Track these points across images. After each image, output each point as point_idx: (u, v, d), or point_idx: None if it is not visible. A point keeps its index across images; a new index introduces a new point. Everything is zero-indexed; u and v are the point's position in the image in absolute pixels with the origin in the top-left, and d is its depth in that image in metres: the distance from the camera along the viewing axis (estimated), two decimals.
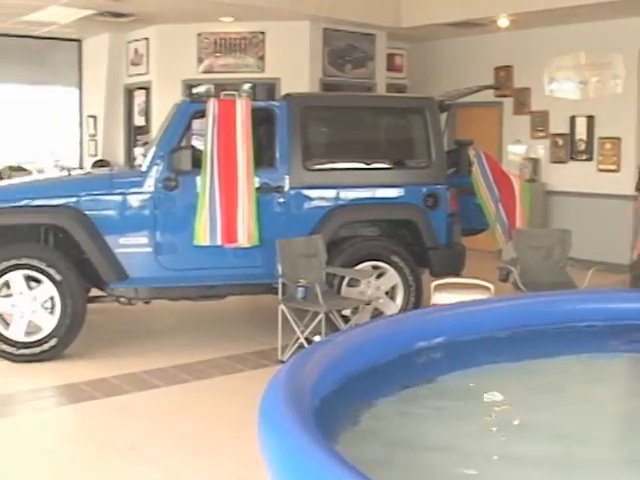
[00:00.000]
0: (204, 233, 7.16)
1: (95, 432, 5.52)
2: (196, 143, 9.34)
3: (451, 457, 3.38)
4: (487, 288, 6.91)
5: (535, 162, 12.60)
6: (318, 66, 12.36)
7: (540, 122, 12.63)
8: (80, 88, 14.64)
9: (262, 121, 7.75)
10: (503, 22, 11.85)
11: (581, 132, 12.13)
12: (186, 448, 5.19)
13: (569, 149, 12.29)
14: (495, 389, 4.32)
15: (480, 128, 13.10)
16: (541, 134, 12.65)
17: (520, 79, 12.90)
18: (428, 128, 8.07)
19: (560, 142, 12.40)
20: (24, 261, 7.03)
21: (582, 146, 12.14)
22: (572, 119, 12.20)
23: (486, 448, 3.54)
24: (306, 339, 6.95)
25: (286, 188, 7.62)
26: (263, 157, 7.63)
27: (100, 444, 5.26)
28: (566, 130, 12.30)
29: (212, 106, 7.29)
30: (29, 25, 12.56)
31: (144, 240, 7.38)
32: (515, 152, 12.88)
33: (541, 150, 12.61)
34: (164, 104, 10.51)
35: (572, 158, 12.28)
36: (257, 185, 7.43)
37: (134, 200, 7.37)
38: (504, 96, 13.09)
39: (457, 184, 8.35)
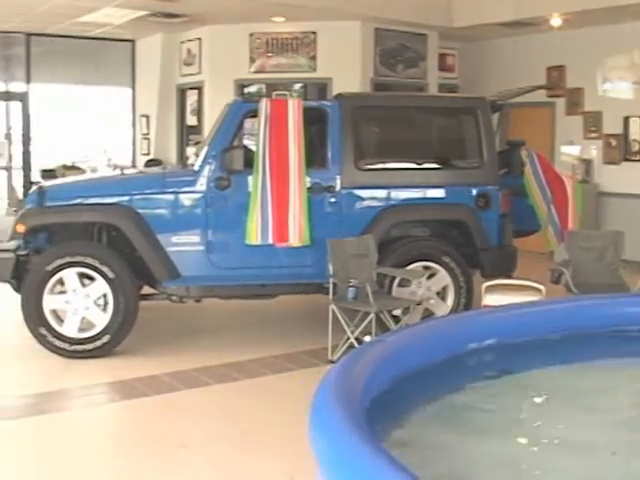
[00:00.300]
0: (256, 232, 7.20)
1: (146, 429, 5.57)
2: (247, 143, 9.39)
3: (502, 458, 3.36)
4: (538, 290, 6.85)
5: (588, 163, 12.48)
6: (369, 66, 12.36)
7: (593, 122, 12.50)
8: (133, 88, 14.80)
9: (314, 121, 7.76)
10: (556, 21, 11.75)
11: (635, 133, 11.99)
12: (236, 446, 5.22)
13: (622, 150, 12.15)
14: (547, 391, 4.29)
15: (532, 128, 13.00)
16: (594, 135, 12.52)
17: (573, 79, 12.78)
18: (480, 128, 8.03)
19: (613, 143, 12.26)
20: (78, 259, 7.12)
21: (636, 147, 11.99)
22: (626, 119, 12.05)
23: (540, 449, 3.52)
24: (356, 339, 6.95)
25: (337, 188, 7.63)
26: (315, 157, 7.64)
27: (150, 441, 5.30)
28: (619, 131, 12.15)
29: (264, 106, 7.32)
30: (84, 26, 12.72)
31: (196, 239, 7.43)
32: (567, 153, 12.76)
33: (594, 151, 12.47)
34: (216, 104, 10.59)
35: (625, 159, 12.13)
36: (308, 185, 7.45)
37: (186, 199, 7.42)
38: (556, 96, 12.98)
39: (509, 185, 8.30)
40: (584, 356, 4.88)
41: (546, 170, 8.51)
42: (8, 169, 14.54)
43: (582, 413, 3.96)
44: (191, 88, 13.55)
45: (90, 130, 15.28)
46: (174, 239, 7.38)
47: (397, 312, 7.47)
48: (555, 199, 8.43)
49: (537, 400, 4.25)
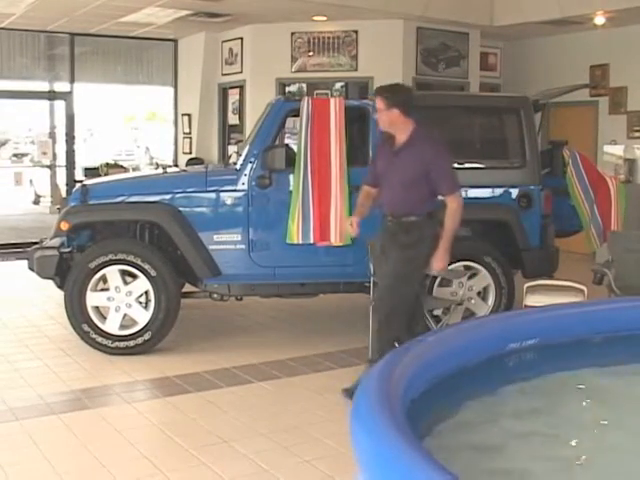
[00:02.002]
0: (297, 232, 7.21)
1: (187, 426, 5.61)
2: (289, 142, 9.41)
3: (540, 460, 3.35)
4: (580, 290, 6.80)
5: (631, 163, 12.35)
6: (411, 65, 12.33)
7: (637, 122, 12.37)
8: (175, 87, 14.89)
9: (355, 120, 7.76)
10: (599, 19, 11.64)
11: None
12: (276, 444, 5.24)
13: None
14: (590, 393, 4.26)
15: (575, 128, 12.90)
16: (638, 134, 12.38)
17: (616, 78, 12.66)
18: (522, 128, 7.98)
19: None
20: (120, 256, 7.18)
21: None
22: None
23: (582, 451, 3.51)
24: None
25: None
26: (356, 156, 7.64)
27: (192, 438, 5.34)
28: None
29: (306, 105, 7.33)
30: (127, 26, 12.84)
31: (237, 237, 7.45)
32: (611, 152, 12.64)
33: (637, 151, 12.34)
34: (258, 102, 10.64)
35: None
36: (350, 184, 7.45)
37: (228, 198, 7.46)
38: (599, 95, 12.87)
39: (551, 185, 8.24)
40: (625, 358, 4.84)
41: (589, 170, 8.43)
42: (52, 167, 14.70)
43: (623, 416, 3.93)
44: (232, 87, 13.61)
45: (132, 129, 15.41)
46: (215, 237, 7.41)
47: (438, 312, 7.45)
48: (598, 199, 8.36)
49: (582, 403, 4.23)
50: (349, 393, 5.90)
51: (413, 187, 6.07)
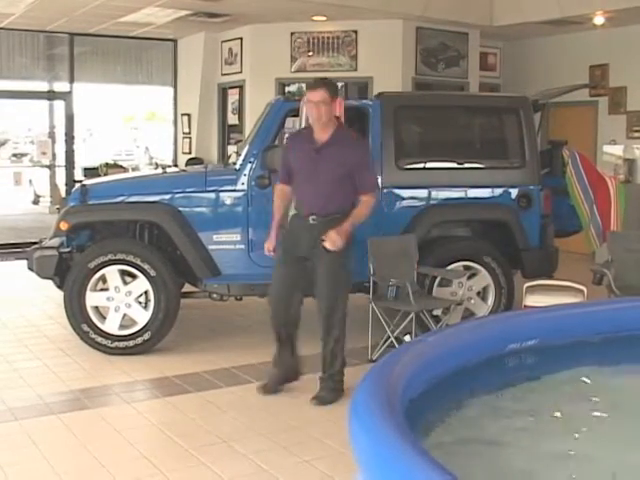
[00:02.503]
0: None
1: (187, 425, 5.60)
2: None
3: (539, 460, 3.35)
4: (580, 290, 6.81)
5: (631, 163, 12.35)
6: (411, 65, 12.33)
7: (637, 122, 12.38)
8: (175, 87, 14.89)
9: (355, 120, 7.75)
10: (599, 19, 11.64)
11: None
12: (276, 444, 5.24)
13: None
14: (590, 393, 4.26)
15: (574, 128, 12.90)
16: (637, 134, 12.39)
17: (616, 78, 12.66)
18: (522, 128, 7.98)
19: None
20: (120, 256, 7.18)
21: None
22: None
23: (581, 451, 3.50)
24: (396, 338, 6.94)
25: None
26: None
27: (191, 438, 5.33)
28: None
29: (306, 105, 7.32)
30: (126, 26, 12.84)
31: (237, 237, 7.46)
32: (610, 152, 12.64)
33: (637, 151, 12.34)
34: (257, 103, 10.64)
35: None
36: None
37: (227, 198, 7.46)
38: (599, 95, 12.87)
39: (551, 185, 8.24)
40: (624, 359, 4.84)
41: (588, 170, 8.43)
42: (51, 167, 14.71)
43: (623, 416, 3.93)
44: (232, 87, 13.61)
45: (132, 129, 15.42)
46: (215, 237, 7.41)
47: (437, 312, 7.46)
48: (597, 199, 8.36)
49: (582, 403, 4.23)
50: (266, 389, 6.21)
51: (339, 185, 6.03)
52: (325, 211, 6.02)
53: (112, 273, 7.22)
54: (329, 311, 6.12)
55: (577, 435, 3.71)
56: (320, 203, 6.03)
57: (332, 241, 5.88)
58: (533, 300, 6.69)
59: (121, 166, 15.37)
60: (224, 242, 7.42)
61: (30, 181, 17.61)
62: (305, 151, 6.09)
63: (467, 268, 7.69)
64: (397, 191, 7.68)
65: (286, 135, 7.48)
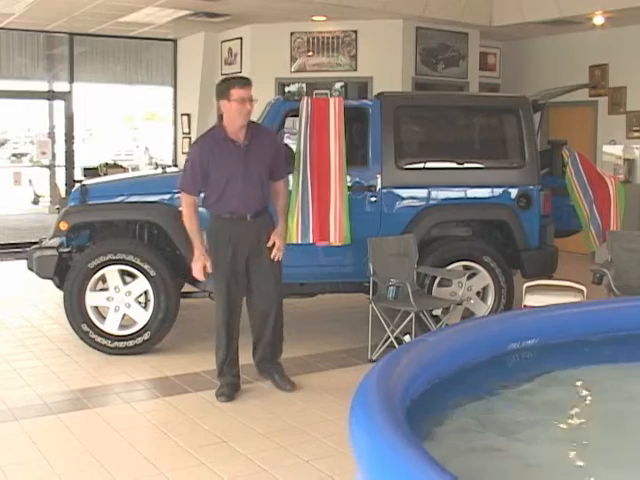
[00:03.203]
0: (296, 232, 7.19)
1: (186, 425, 5.60)
2: (288, 141, 9.40)
3: (539, 461, 3.35)
4: (580, 290, 6.81)
5: (630, 163, 12.36)
6: (410, 65, 12.33)
7: (636, 122, 12.38)
8: (175, 87, 14.89)
9: (355, 120, 7.77)
10: (598, 19, 11.64)
11: None
12: (275, 444, 5.23)
13: None
14: (590, 393, 4.26)
15: (574, 128, 12.91)
16: (637, 134, 12.38)
17: (615, 78, 12.66)
18: (521, 128, 7.97)
19: None
20: (119, 256, 7.17)
21: None
22: None
23: (580, 452, 3.50)
24: (396, 338, 6.94)
25: (378, 187, 7.62)
26: (355, 156, 7.64)
27: (191, 437, 5.33)
28: None
29: (305, 105, 7.32)
30: (126, 26, 12.83)
31: None
32: (610, 152, 12.64)
33: (637, 151, 12.35)
34: (257, 102, 10.61)
35: None
36: (349, 184, 7.45)
37: None
38: (599, 95, 12.87)
39: (550, 185, 8.25)
40: (624, 358, 4.84)
41: (588, 170, 8.43)
42: (51, 167, 14.70)
43: (624, 415, 3.93)
44: None
45: (132, 129, 15.40)
46: None
47: (437, 312, 7.45)
48: (597, 199, 8.36)
49: (583, 402, 4.23)
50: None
51: (266, 180, 6.13)
52: (256, 209, 6.11)
53: (112, 273, 7.22)
54: (278, 306, 6.31)
55: (577, 435, 3.72)
56: (253, 202, 6.07)
57: (280, 249, 6.15)
58: (533, 300, 6.69)
59: (121, 166, 15.37)
60: None
61: (30, 181, 17.60)
62: (227, 152, 6.01)
63: (467, 268, 7.68)
64: (397, 191, 7.68)
65: (285, 135, 7.48)
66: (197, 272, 6.10)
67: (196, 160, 6.04)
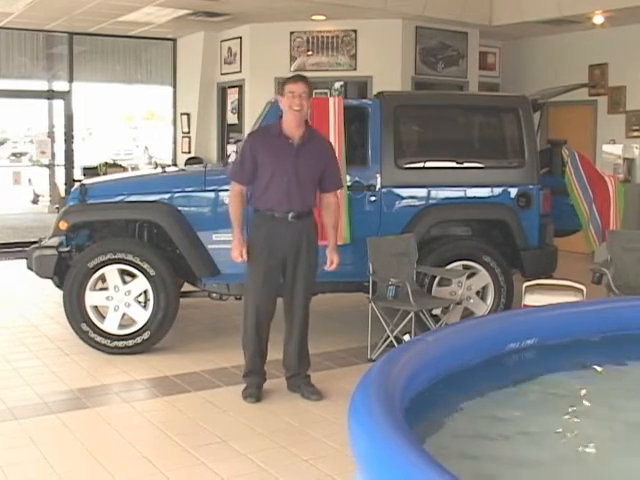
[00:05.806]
0: None
1: (186, 425, 5.60)
2: None
3: (540, 460, 3.35)
4: (579, 290, 6.81)
5: (630, 162, 12.36)
6: (410, 64, 12.33)
7: (636, 121, 12.38)
8: (174, 86, 14.88)
9: (354, 119, 7.76)
10: (598, 19, 11.64)
11: None
12: (275, 444, 5.23)
13: None
14: (589, 393, 4.26)
15: (574, 127, 12.91)
16: (636, 134, 12.38)
17: (615, 77, 12.65)
18: (521, 127, 7.97)
19: None
20: (119, 256, 7.17)
21: None
22: None
23: (580, 453, 3.50)
24: (395, 338, 6.94)
25: (378, 186, 7.62)
26: (355, 155, 7.64)
27: (190, 437, 5.33)
28: None
29: None
30: (125, 25, 12.83)
31: None
32: (609, 152, 12.64)
33: (636, 150, 12.35)
34: (256, 102, 10.65)
35: None
36: (349, 183, 7.46)
37: (227, 197, 7.44)
38: (598, 95, 12.87)
39: (550, 184, 8.25)
40: (624, 358, 4.84)
41: (588, 169, 8.43)
42: (51, 167, 14.70)
43: (624, 415, 3.93)
44: (231, 86, 13.60)
45: (131, 128, 15.39)
46: (214, 236, 7.41)
47: (437, 311, 7.46)
48: (597, 199, 8.36)
49: (580, 403, 4.23)
50: None
51: (315, 182, 6.11)
52: (301, 210, 6.06)
53: (111, 272, 7.22)
54: (305, 310, 6.25)
55: (577, 435, 3.72)
56: (298, 201, 6.03)
57: (336, 264, 6.24)
58: (532, 299, 6.70)
59: (120, 165, 15.37)
60: (223, 241, 7.39)
61: (29, 180, 17.61)
62: (279, 148, 6.01)
63: (466, 267, 7.68)
64: (396, 190, 7.68)
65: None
66: (236, 257, 6.15)
67: (247, 151, 6.10)
